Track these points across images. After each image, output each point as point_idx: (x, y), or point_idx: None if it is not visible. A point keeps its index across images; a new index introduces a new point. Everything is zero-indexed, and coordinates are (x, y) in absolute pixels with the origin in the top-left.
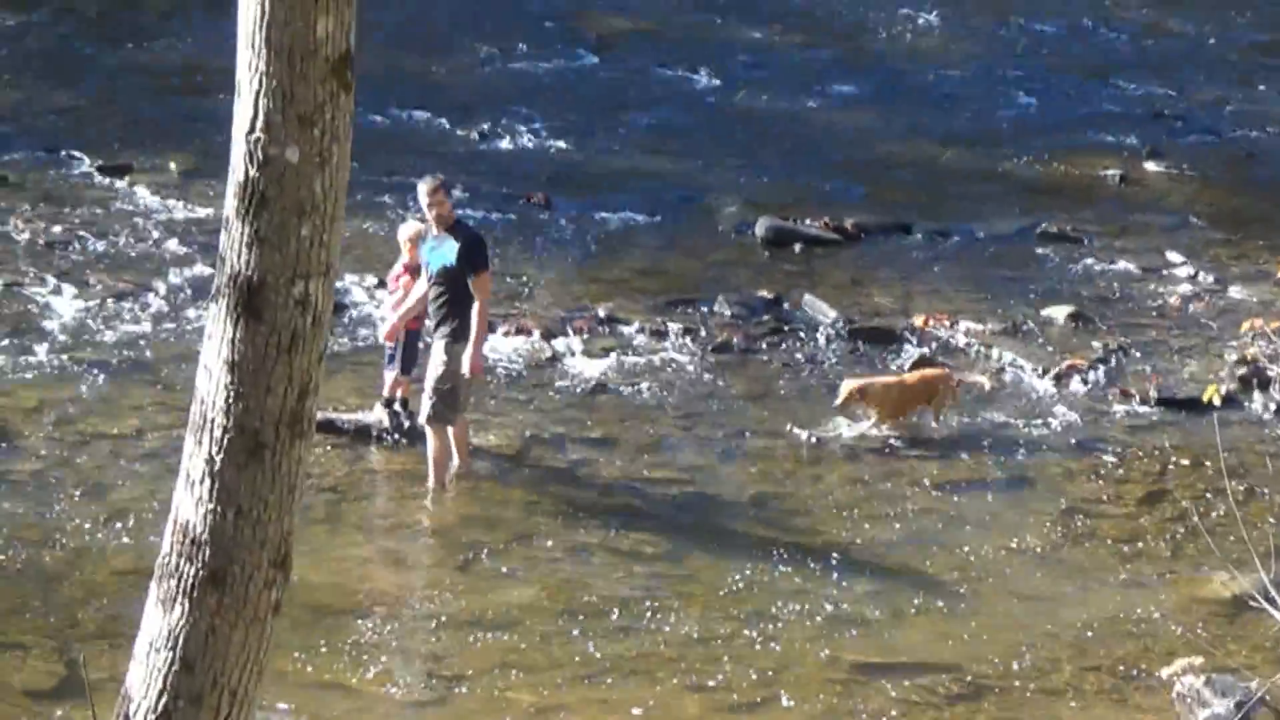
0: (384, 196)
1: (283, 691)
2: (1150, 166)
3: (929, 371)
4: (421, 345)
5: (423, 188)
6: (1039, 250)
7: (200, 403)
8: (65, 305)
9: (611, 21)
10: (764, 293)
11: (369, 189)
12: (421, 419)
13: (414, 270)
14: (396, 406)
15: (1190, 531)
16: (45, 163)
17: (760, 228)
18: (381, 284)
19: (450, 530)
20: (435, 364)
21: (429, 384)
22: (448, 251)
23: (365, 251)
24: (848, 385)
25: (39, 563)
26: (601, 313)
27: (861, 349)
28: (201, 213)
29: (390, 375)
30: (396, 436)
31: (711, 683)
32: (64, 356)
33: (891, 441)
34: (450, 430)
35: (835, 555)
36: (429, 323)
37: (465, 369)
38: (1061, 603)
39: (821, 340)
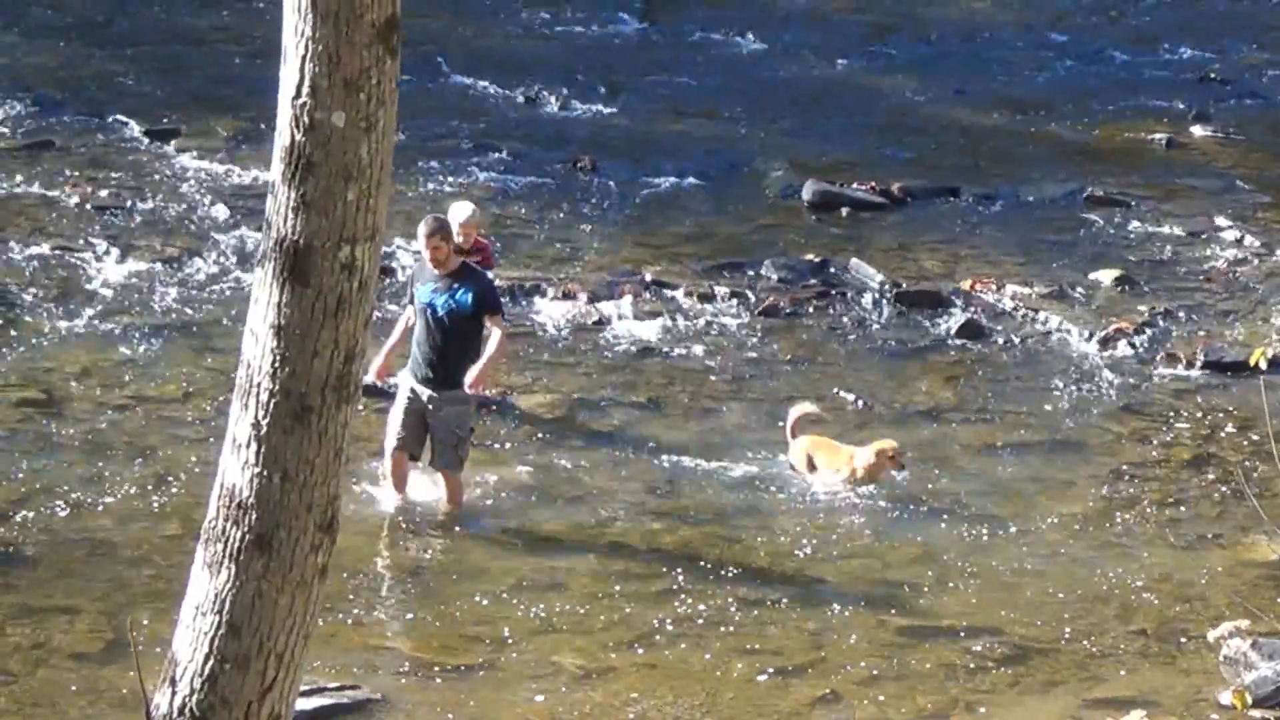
0: (430, 162)
1: (329, 655)
2: (1197, 131)
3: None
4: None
5: (421, 230)
6: (1085, 214)
7: (246, 367)
8: (112, 270)
9: None
10: (810, 256)
11: (415, 154)
12: (441, 467)
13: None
14: None
15: (1237, 495)
16: (92, 127)
17: (807, 191)
18: None
19: (496, 494)
20: (451, 424)
21: (447, 441)
22: (459, 296)
23: (411, 216)
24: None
25: (86, 526)
26: (648, 276)
27: (908, 313)
28: (248, 177)
29: None
30: None
31: (759, 646)
32: (111, 321)
33: (938, 406)
34: (458, 479)
35: (882, 518)
36: (420, 368)
37: (468, 382)
38: (1108, 566)
39: (868, 304)
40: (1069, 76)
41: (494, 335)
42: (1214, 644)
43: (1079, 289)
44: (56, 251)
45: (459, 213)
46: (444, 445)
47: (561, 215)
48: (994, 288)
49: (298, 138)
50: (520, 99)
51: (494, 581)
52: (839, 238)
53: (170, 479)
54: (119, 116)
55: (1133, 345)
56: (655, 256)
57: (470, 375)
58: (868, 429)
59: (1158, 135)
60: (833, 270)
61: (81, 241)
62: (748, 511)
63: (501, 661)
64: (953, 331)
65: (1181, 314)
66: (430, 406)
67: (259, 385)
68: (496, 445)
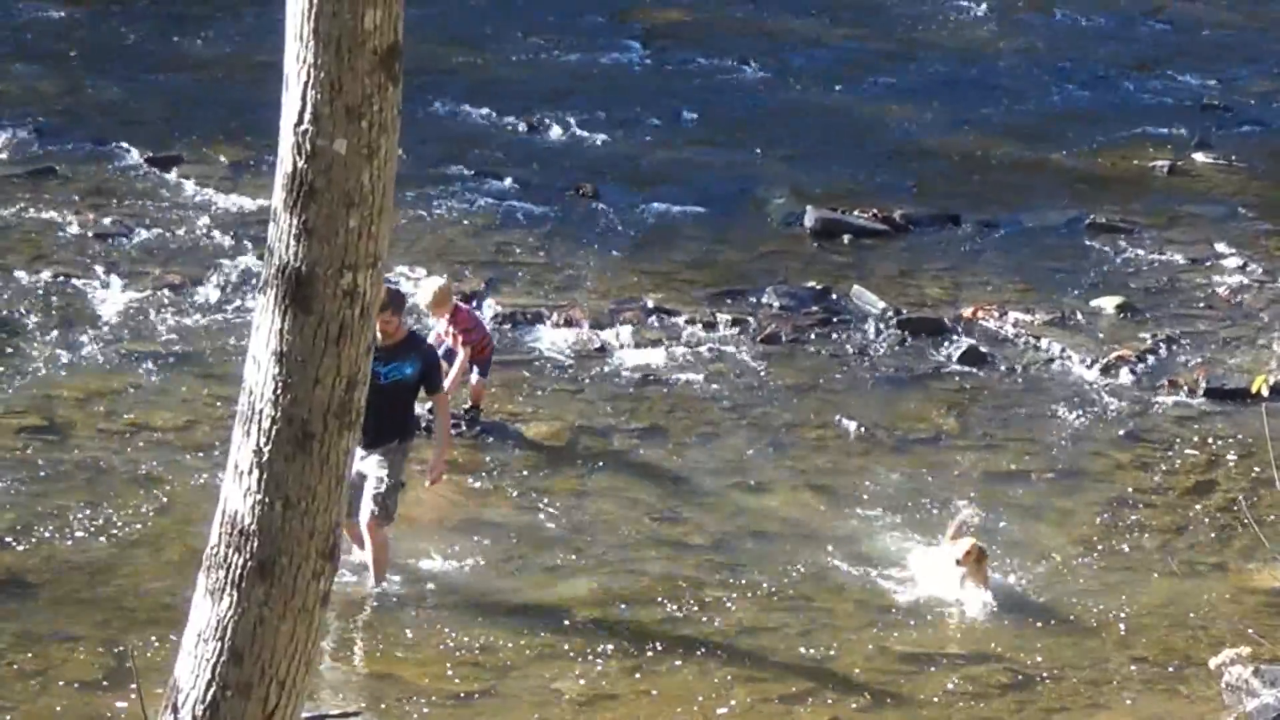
0: (432, 189)
1: (332, 681)
2: (1199, 157)
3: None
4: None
5: None
6: (1087, 241)
7: (248, 394)
8: (114, 297)
9: (660, 13)
10: (813, 284)
11: (417, 182)
12: (364, 520)
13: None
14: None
15: (1239, 522)
16: (94, 154)
17: (809, 219)
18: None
19: (499, 521)
20: (377, 471)
21: (372, 489)
22: (404, 368)
23: (414, 243)
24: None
25: (88, 553)
26: (650, 304)
27: (910, 340)
28: (250, 204)
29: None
30: (462, 428)
31: (760, 673)
32: (113, 348)
33: (940, 433)
34: (383, 535)
35: (884, 545)
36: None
37: (428, 477)
38: (1110, 593)
39: (870, 331)
40: (1071, 103)
41: (439, 416)
42: (1216, 671)
43: (1081, 316)
44: (58, 278)
45: (420, 296)
46: (369, 491)
47: (563, 242)
48: (996, 315)
49: (299, 165)
50: (522, 126)
51: (495, 608)
52: (841, 265)
53: (172, 506)
54: (121, 144)
55: (1134, 372)
56: (657, 284)
57: (431, 469)
58: (868, 456)
59: (1160, 162)
60: (835, 298)
61: (83, 269)
62: (749, 538)
63: (502, 688)
64: (954, 359)
65: (1184, 341)
66: (363, 463)
67: (261, 412)
68: (497, 473)
